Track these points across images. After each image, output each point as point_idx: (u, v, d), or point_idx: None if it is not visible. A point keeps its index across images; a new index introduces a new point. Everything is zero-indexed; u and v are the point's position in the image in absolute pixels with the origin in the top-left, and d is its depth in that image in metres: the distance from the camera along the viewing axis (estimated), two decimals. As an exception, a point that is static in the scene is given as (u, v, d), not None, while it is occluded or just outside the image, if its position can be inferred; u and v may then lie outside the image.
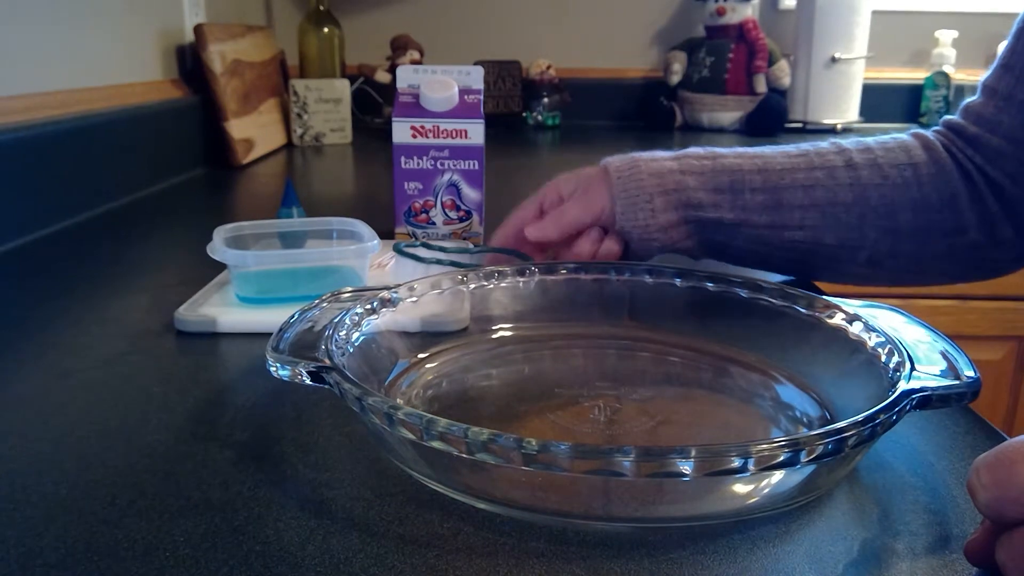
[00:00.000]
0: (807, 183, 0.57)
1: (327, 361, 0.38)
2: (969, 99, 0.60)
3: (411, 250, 0.65)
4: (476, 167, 0.74)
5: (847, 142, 0.60)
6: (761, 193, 0.57)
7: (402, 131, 0.72)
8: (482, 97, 0.75)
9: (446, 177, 0.73)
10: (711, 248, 0.61)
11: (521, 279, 0.54)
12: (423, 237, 0.75)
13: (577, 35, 1.86)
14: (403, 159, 0.73)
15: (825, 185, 0.57)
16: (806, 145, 0.60)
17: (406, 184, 0.74)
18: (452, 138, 0.72)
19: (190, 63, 1.25)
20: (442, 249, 0.65)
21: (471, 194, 0.74)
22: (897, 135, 0.61)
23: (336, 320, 0.43)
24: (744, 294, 0.51)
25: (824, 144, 0.60)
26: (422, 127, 0.72)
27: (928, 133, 0.61)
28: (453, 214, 0.75)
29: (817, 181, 0.57)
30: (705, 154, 0.60)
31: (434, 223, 0.75)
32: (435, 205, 0.74)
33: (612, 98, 1.86)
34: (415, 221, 0.75)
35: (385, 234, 0.66)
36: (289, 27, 1.71)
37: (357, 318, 0.45)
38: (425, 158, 0.73)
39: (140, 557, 0.31)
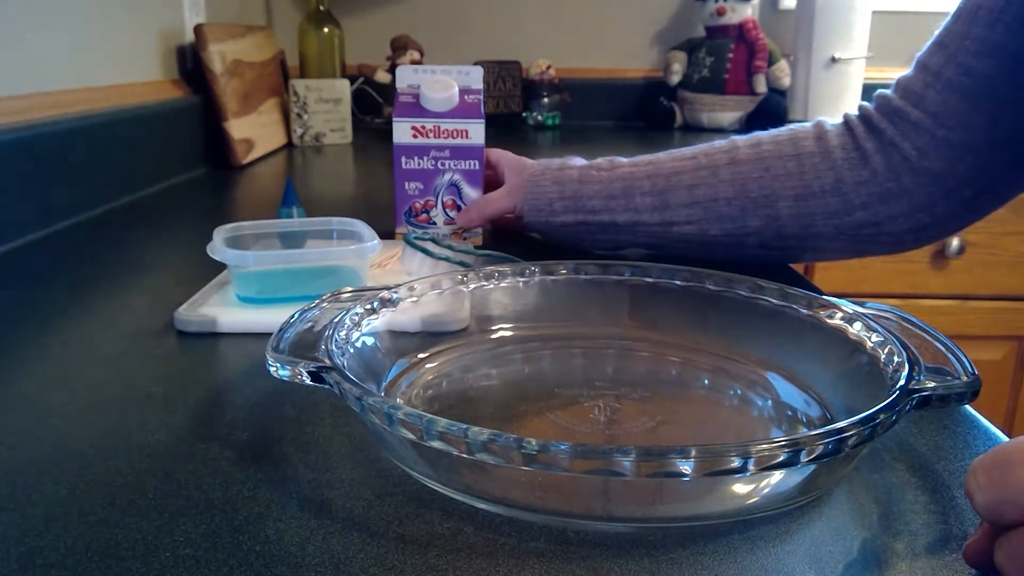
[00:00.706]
0: (691, 183, 0.65)
1: (327, 361, 0.38)
2: (903, 74, 0.63)
3: (421, 243, 0.65)
4: (476, 167, 0.74)
5: (743, 138, 0.66)
6: (649, 196, 0.66)
7: (403, 131, 0.72)
8: (482, 97, 0.75)
9: (447, 177, 0.73)
10: (614, 245, 0.70)
11: (521, 279, 0.54)
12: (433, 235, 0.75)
13: (577, 35, 1.86)
14: (404, 159, 0.73)
15: (707, 183, 0.65)
16: (704, 146, 0.68)
17: (407, 184, 0.74)
18: (453, 138, 0.72)
19: (190, 63, 1.25)
20: (450, 247, 0.66)
21: (472, 194, 0.74)
22: (797, 125, 0.66)
23: (336, 320, 0.43)
24: (744, 294, 0.51)
25: (721, 142, 0.68)
26: (423, 127, 0.72)
27: (827, 125, 0.65)
28: (454, 214, 0.75)
29: (700, 180, 0.65)
30: (606, 165, 0.69)
31: (435, 223, 0.75)
32: (436, 205, 0.74)
33: (612, 98, 1.86)
34: (416, 221, 0.75)
35: (385, 234, 0.66)
36: (289, 27, 1.71)
37: (357, 318, 0.45)
38: (426, 158, 0.73)
39: (140, 557, 0.31)
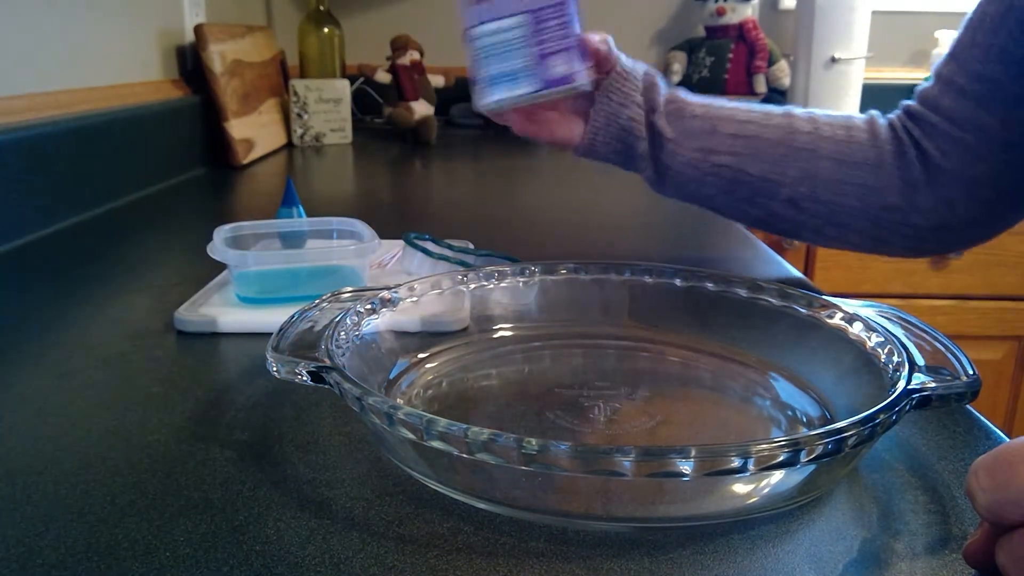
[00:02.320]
0: (742, 119, 0.66)
1: (327, 361, 0.38)
2: (922, 84, 0.67)
3: (421, 243, 0.65)
4: None
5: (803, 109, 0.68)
6: (700, 120, 0.66)
7: None
8: None
9: None
10: (635, 156, 0.67)
11: (521, 279, 0.54)
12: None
13: (577, 35, 1.86)
14: None
15: (757, 122, 0.66)
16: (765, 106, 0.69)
17: None
18: None
19: (190, 63, 1.25)
20: (449, 247, 0.66)
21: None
22: (853, 114, 0.68)
23: (336, 320, 0.43)
24: (744, 294, 0.51)
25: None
26: None
27: (879, 117, 0.67)
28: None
29: (752, 119, 0.66)
30: (670, 93, 0.68)
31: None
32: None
33: (612, 98, 1.86)
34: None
35: (385, 234, 0.66)
36: (289, 27, 1.71)
37: (357, 318, 0.45)
38: None
39: (140, 557, 0.31)
